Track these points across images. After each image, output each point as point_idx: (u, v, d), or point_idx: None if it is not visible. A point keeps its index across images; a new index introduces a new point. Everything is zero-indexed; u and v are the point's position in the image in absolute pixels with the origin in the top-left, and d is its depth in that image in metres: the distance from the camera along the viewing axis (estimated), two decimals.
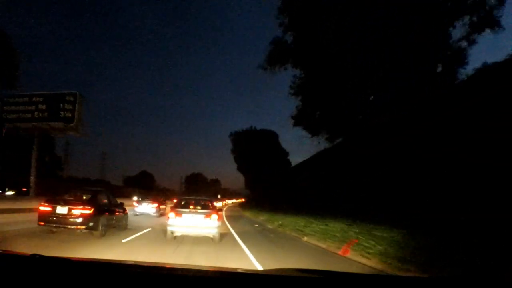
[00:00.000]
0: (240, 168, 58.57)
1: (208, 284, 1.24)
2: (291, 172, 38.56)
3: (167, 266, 1.92)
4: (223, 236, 9.18)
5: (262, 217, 18.67)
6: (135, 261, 1.72)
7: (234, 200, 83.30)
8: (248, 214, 26.23)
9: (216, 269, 1.60)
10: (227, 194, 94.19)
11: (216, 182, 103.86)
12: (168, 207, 15.56)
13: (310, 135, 22.59)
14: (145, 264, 1.59)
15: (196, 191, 70.61)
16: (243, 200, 71.27)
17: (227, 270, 1.58)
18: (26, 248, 6.01)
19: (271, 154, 50.19)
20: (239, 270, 1.68)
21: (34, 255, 1.41)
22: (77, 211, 7.68)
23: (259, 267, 5.36)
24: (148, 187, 66.79)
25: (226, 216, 19.27)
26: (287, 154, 55.33)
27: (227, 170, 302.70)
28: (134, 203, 17.06)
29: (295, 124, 23.10)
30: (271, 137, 54.73)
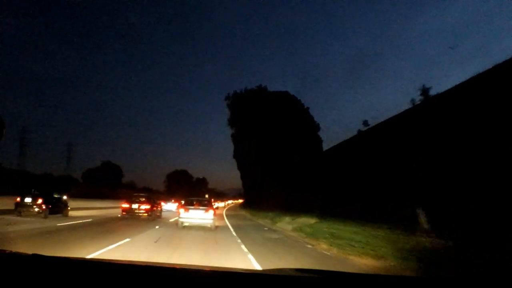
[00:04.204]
0: (238, 153, 42.22)
1: (208, 284, 1.26)
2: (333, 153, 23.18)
3: (167, 266, 1.95)
4: None
5: None
6: (135, 261, 1.82)
7: (232, 201, 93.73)
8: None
9: (215, 269, 1.63)
10: (214, 195, 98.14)
11: (202, 181, 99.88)
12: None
13: None
14: (145, 264, 1.65)
15: (179, 191, 67.09)
16: (241, 201, 70.04)
17: (227, 270, 1.61)
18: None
19: (291, 127, 34.28)
20: (238, 270, 1.71)
21: (34, 255, 1.44)
22: (143, 206, 15.08)
23: None
24: (113, 183, 53.85)
25: None
26: (316, 127, 38.28)
27: (216, 170, 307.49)
28: (162, 203, 24.23)
29: None
30: (290, 102, 37.31)
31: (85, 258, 1.86)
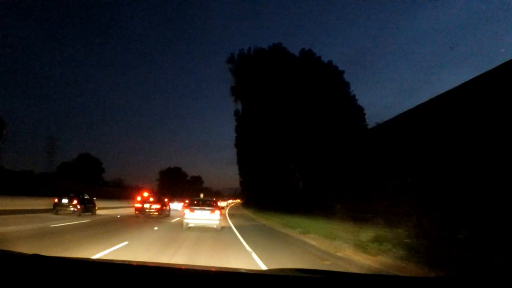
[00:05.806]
0: (243, 137, 34.07)
1: (210, 283, 1.27)
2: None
3: (169, 266, 1.97)
4: None
5: None
6: (136, 261, 1.86)
7: (232, 200, 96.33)
8: None
9: (217, 269, 1.65)
10: (210, 194, 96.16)
11: (197, 179, 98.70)
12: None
13: None
14: (146, 264, 1.66)
15: (174, 190, 66.49)
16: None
17: (228, 270, 1.63)
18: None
19: (325, 104, 26.14)
20: (241, 270, 1.74)
21: (34, 255, 1.45)
22: (154, 206, 17.93)
23: None
24: (93, 178, 49.34)
25: None
26: (359, 108, 30.19)
27: (211, 169, 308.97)
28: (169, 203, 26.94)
29: None
30: (324, 69, 28.58)
31: (85, 258, 1.97)
